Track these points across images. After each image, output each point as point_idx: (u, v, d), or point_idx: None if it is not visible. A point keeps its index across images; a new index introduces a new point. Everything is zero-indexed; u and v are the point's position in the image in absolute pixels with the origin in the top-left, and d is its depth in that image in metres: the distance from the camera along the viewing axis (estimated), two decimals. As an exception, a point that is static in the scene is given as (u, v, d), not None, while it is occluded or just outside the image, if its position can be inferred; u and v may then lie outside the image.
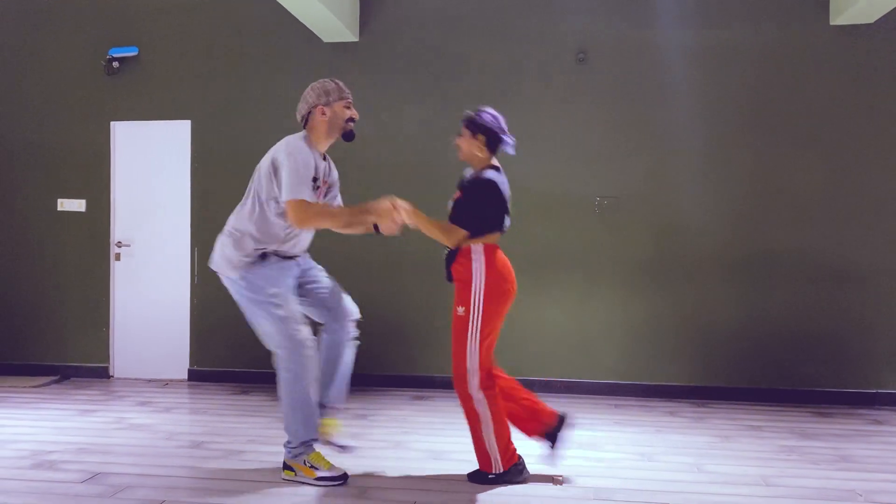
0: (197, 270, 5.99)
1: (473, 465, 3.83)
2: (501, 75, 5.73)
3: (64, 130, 6.18)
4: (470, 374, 3.49)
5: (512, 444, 3.58)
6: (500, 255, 3.63)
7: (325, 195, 3.75)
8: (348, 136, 3.73)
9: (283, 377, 3.51)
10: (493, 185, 3.55)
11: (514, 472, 3.57)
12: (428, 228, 3.58)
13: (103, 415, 4.92)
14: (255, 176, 3.62)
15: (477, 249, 3.54)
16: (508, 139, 3.68)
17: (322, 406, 3.70)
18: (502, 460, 3.54)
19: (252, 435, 4.38)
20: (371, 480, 3.61)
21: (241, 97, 5.98)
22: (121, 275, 6.15)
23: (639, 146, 5.60)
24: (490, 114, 3.67)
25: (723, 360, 5.50)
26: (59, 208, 6.18)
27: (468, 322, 3.50)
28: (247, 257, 3.54)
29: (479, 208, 3.54)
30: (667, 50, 5.57)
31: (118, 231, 6.15)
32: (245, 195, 3.65)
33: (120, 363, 6.17)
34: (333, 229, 3.69)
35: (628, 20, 5.61)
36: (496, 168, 3.66)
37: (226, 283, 3.64)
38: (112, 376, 6.16)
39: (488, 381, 3.53)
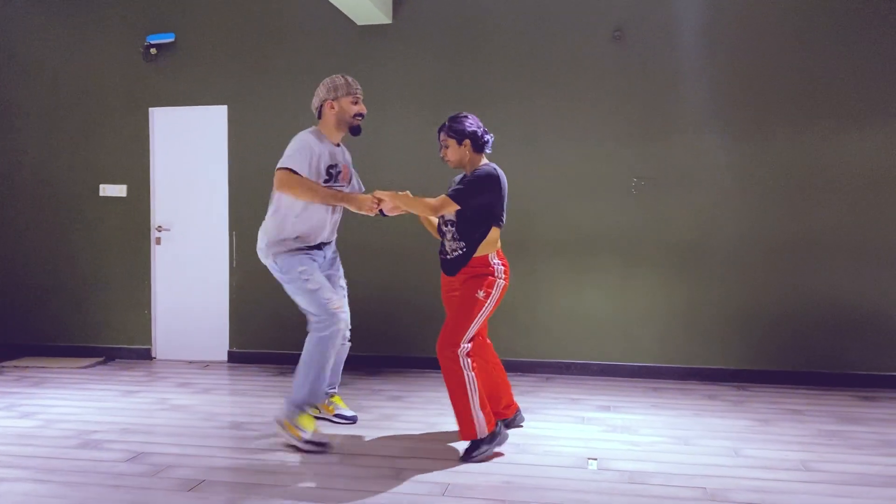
0: (235, 254, 6.07)
1: (505, 446, 3.84)
2: (536, 56, 5.66)
3: (104, 117, 6.30)
4: (464, 343, 3.65)
5: (488, 406, 3.74)
6: (503, 255, 3.89)
7: (349, 181, 4.10)
8: (354, 130, 3.99)
9: (310, 338, 3.84)
10: (494, 175, 3.70)
11: (499, 431, 3.73)
12: (413, 205, 3.73)
13: (146, 396, 5.04)
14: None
15: (495, 259, 3.78)
16: (489, 137, 3.80)
17: (325, 393, 4.09)
18: (486, 423, 3.65)
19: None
20: (405, 462, 3.64)
21: (276, 81, 6.01)
22: (161, 259, 6.26)
23: (676, 125, 5.49)
24: (468, 118, 3.77)
25: (764, 343, 5.41)
26: (102, 194, 6.30)
27: (482, 306, 3.71)
28: (281, 248, 3.90)
29: (477, 193, 3.65)
30: (705, 27, 5.44)
31: (158, 215, 6.26)
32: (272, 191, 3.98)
33: (162, 345, 6.30)
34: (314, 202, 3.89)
35: (666, -4, 5.49)
36: (489, 164, 3.80)
37: (270, 268, 3.99)
38: (154, 358, 6.30)
39: (473, 350, 3.78)
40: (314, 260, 3.95)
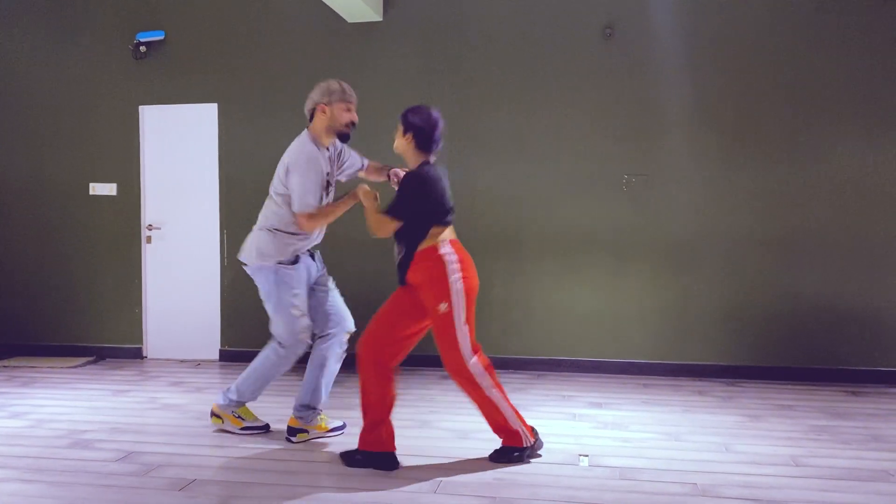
0: (226, 252, 6.06)
1: (497, 443, 3.85)
2: (527, 52, 5.66)
3: (94, 115, 6.27)
4: (466, 358, 3.53)
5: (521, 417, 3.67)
6: (462, 248, 3.67)
7: (342, 174, 4.09)
8: (343, 137, 3.91)
9: (268, 354, 3.94)
10: (425, 178, 3.53)
11: (538, 439, 3.68)
12: (368, 213, 3.62)
13: (137, 395, 5.02)
14: (276, 174, 3.88)
15: (445, 248, 3.53)
16: (438, 141, 3.62)
17: (311, 408, 3.95)
18: (528, 430, 3.60)
19: (281, 414, 4.42)
20: (398, 459, 3.64)
21: (267, 79, 6.00)
22: (152, 257, 6.24)
23: (667, 123, 5.51)
24: (423, 113, 3.60)
25: (754, 339, 5.43)
26: (91, 192, 6.28)
27: (452, 316, 3.50)
28: (282, 255, 3.83)
29: (409, 202, 3.52)
30: (696, 25, 5.46)
31: (149, 214, 6.24)
32: (270, 190, 3.92)
33: (153, 344, 6.28)
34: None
35: (656, -6, 5.50)
36: (428, 164, 3.61)
37: (252, 270, 3.92)
38: (146, 357, 6.28)
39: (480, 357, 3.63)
40: (307, 273, 3.92)
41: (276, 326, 3.89)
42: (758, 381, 5.31)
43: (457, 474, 3.44)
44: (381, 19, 5.82)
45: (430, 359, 5.77)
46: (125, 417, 4.45)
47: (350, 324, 4.04)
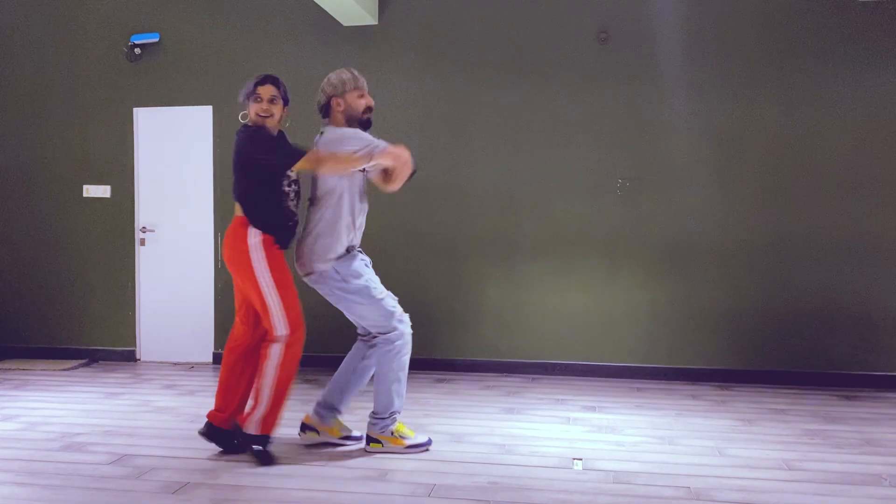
0: (220, 255, 6.05)
1: (491, 447, 3.85)
2: (522, 56, 5.68)
3: (88, 117, 6.25)
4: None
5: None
6: None
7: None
8: (365, 124, 3.78)
9: (384, 351, 3.69)
10: None
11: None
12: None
13: (130, 398, 5.00)
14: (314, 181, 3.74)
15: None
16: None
17: (334, 409, 3.87)
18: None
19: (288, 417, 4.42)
20: (391, 462, 3.64)
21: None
22: (146, 260, 6.23)
23: (661, 127, 5.53)
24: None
25: (747, 343, 5.45)
26: (85, 194, 6.26)
27: None
28: (336, 254, 3.65)
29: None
30: (690, 29, 5.48)
31: (142, 216, 6.22)
32: (312, 197, 3.75)
33: (146, 347, 6.26)
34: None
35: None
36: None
37: (314, 280, 3.69)
38: (139, 359, 6.26)
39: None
40: (367, 264, 3.77)
41: (370, 319, 3.68)
42: (751, 385, 5.33)
43: (451, 478, 3.43)
44: (376, 23, 5.83)
45: (422, 362, 5.80)
46: (118, 420, 4.44)
47: None
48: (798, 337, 5.40)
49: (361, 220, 3.79)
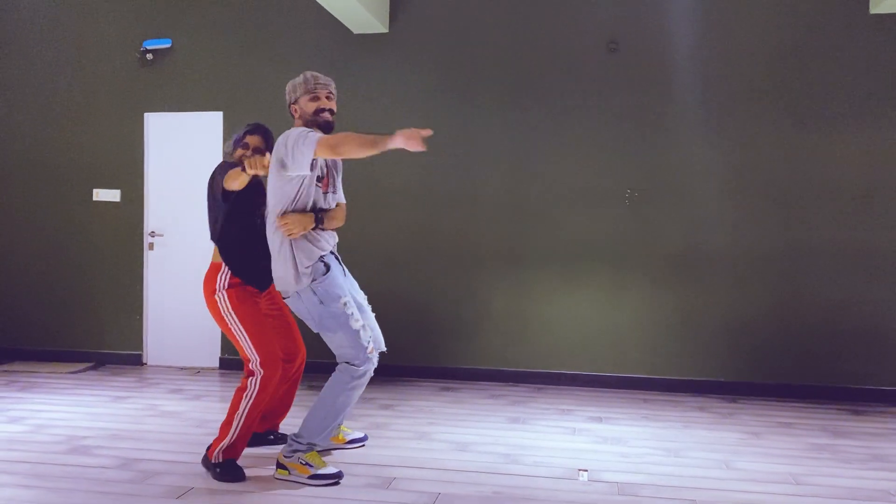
0: (228, 260, 6.05)
1: (496, 456, 3.84)
2: (531, 66, 5.69)
3: (99, 121, 6.29)
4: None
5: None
6: None
7: (333, 187, 3.68)
8: (324, 127, 3.53)
9: (339, 378, 3.47)
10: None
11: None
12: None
13: (136, 402, 5.01)
14: (270, 188, 3.50)
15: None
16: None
17: None
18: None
19: (292, 423, 4.42)
20: (396, 471, 3.63)
21: (271, 88, 6.01)
22: (154, 264, 6.25)
23: (669, 137, 5.52)
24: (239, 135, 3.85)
25: (754, 355, 5.42)
26: (95, 198, 6.29)
27: None
28: (308, 268, 3.45)
29: None
30: (699, 39, 5.48)
31: (151, 221, 6.25)
32: (268, 214, 3.55)
33: (153, 351, 6.27)
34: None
35: (660, 8, 5.53)
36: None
37: (293, 302, 3.52)
38: (145, 363, 6.27)
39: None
40: (343, 278, 3.59)
41: (341, 347, 3.46)
42: (758, 398, 5.30)
43: (455, 487, 3.42)
44: (386, 31, 5.85)
45: (427, 370, 5.79)
46: (124, 424, 4.44)
47: (382, 343, 3.75)
48: (806, 350, 5.36)
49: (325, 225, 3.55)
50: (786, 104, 5.39)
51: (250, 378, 3.55)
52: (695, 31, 5.50)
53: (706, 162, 5.48)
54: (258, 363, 3.53)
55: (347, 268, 3.75)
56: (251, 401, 3.52)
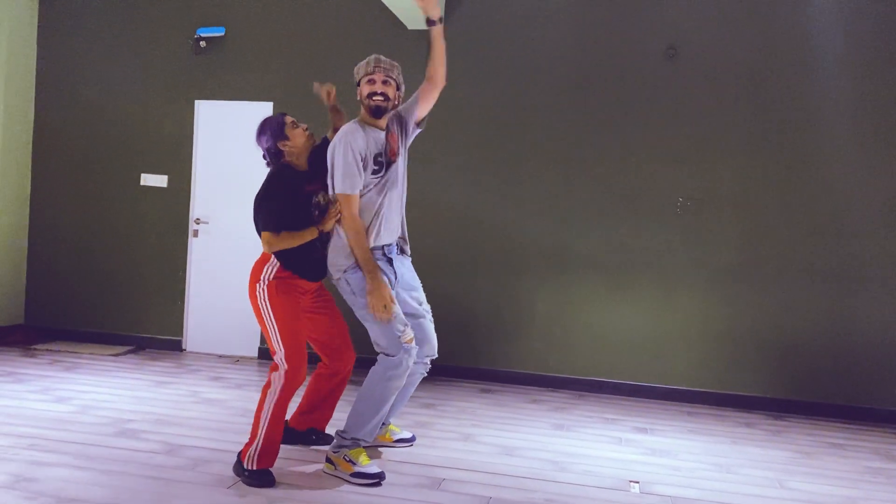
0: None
1: (544, 463, 3.79)
2: (586, 68, 5.62)
3: (150, 107, 6.32)
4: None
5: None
6: None
7: (401, 151, 3.73)
8: (373, 112, 3.59)
9: (376, 371, 3.46)
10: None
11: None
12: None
13: (178, 387, 5.02)
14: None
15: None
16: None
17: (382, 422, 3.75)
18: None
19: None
20: (445, 472, 3.59)
21: (323, 80, 5.97)
22: (197, 251, 6.26)
23: (727, 147, 5.42)
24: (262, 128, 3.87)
25: (803, 373, 5.31)
26: (142, 183, 6.32)
27: None
28: (348, 258, 3.49)
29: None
30: (760, 46, 5.38)
31: (197, 208, 6.26)
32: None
33: (193, 337, 6.29)
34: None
35: (720, 14, 5.43)
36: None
37: (336, 283, 3.58)
38: (184, 350, 6.29)
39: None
40: (387, 277, 3.52)
41: (376, 337, 3.48)
42: (806, 417, 5.19)
43: (506, 492, 3.37)
44: (441, 28, 5.79)
45: (466, 371, 5.75)
46: (168, 409, 4.45)
47: (435, 349, 3.78)
48: (856, 370, 5.24)
49: (391, 216, 3.60)
50: (850, 116, 5.26)
51: (274, 373, 3.42)
52: (755, 35, 5.39)
53: (761, 174, 5.37)
54: (283, 356, 3.40)
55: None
56: (276, 397, 3.37)
